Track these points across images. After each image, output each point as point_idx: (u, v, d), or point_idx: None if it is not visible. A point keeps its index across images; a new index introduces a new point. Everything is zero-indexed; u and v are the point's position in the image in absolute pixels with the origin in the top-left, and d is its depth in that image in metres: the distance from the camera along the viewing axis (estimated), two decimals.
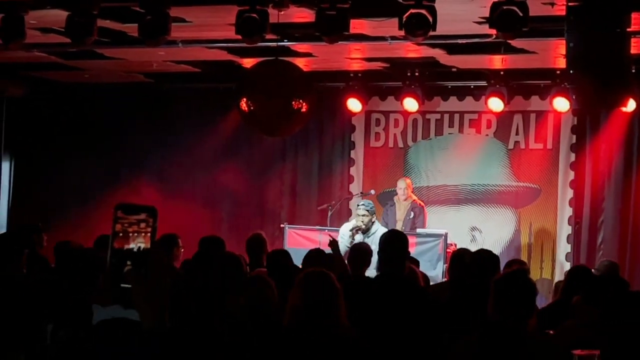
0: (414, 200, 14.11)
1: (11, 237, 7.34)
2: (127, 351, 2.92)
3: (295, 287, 5.59)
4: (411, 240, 12.83)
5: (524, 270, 5.32)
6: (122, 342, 2.97)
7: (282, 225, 14.38)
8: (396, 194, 14.26)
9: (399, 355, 6.50)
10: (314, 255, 8.57)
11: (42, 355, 4.90)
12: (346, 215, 15.65)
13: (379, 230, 12.18)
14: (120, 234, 2.80)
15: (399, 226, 13.69)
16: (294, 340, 5.42)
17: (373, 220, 12.43)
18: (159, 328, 2.80)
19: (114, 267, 2.79)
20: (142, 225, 2.81)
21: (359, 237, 12.15)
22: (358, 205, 12.56)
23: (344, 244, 11.84)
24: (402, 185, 14.19)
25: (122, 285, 2.79)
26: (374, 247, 11.60)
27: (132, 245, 2.80)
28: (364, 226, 12.27)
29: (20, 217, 16.30)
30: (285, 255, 8.73)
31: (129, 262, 2.78)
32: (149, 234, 2.81)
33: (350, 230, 12.32)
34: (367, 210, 12.37)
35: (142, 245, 2.80)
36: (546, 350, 5.10)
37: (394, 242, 7.09)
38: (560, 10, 10.15)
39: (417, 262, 9.82)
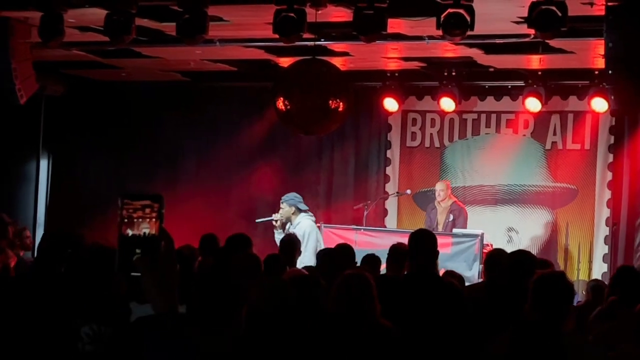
0: (455, 201, 14.10)
1: (54, 237, 7.35)
2: (168, 346, 2.91)
3: (331, 289, 5.67)
4: (447, 240, 12.95)
5: (562, 272, 5.29)
6: (162, 337, 2.97)
7: (317, 225, 14.37)
8: (435, 197, 14.27)
9: (432, 353, 6.51)
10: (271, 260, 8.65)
11: (78, 355, 4.93)
12: (382, 214, 15.64)
13: (301, 222, 12.53)
14: (127, 219, 2.81)
15: (439, 230, 13.69)
16: (328, 338, 5.46)
17: (293, 212, 12.65)
18: (171, 313, 2.81)
19: (123, 256, 2.79)
20: (150, 207, 2.82)
21: (288, 227, 12.53)
22: None
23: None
24: (439, 187, 14.21)
25: (132, 274, 2.79)
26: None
27: (139, 231, 2.81)
28: (278, 217, 12.64)
29: (58, 214, 16.42)
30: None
31: (137, 250, 2.79)
32: (154, 216, 2.82)
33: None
34: (282, 203, 12.77)
35: (148, 231, 2.81)
36: (582, 350, 5.07)
37: (424, 240, 7.11)
38: (599, 10, 10.09)
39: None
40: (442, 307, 6.76)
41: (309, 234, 12.28)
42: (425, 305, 6.73)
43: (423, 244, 7.09)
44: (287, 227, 12.53)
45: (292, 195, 12.91)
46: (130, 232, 2.81)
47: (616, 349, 5.73)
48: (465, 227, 13.77)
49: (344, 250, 9.02)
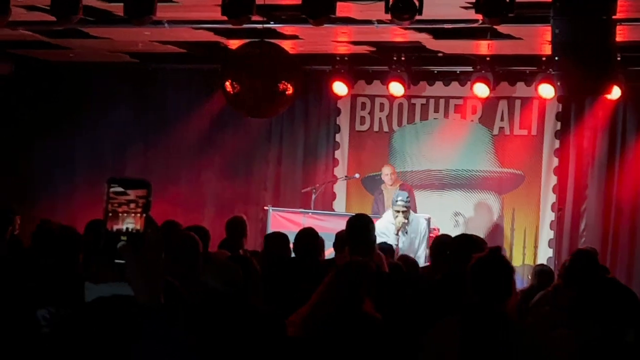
0: (401, 183, 14.16)
1: None
2: (130, 327, 2.88)
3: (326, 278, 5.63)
4: None
5: (499, 248, 5.29)
6: (123, 318, 2.94)
7: (265, 208, 14.38)
8: (383, 181, 14.34)
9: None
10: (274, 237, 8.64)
11: (35, 339, 4.88)
12: (330, 198, 15.65)
13: (415, 218, 12.25)
14: (113, 213, 2.74)
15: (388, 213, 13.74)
16: (318, 333, 5.43)
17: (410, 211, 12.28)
18: (154, 303, 2.77)
19: (108, 244, 2.73)
20: (137, 201, 2.76)
21: (402, 234, 12.05)
22: (396, 201, 12.18)
23: (391, 242, 11.75)
24: (388, 171, 14.26)
25: (117, 261, 2.74)
26: (413, 235, 11.78)
27: (125, 225, 2.75)
28: (407, 221, 12.08)
29: (4, 197, 16.24)
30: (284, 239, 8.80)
31: (123, 237, 2.73)
32: (141, 210, 2.76)
33: (397, 230, 12.01)
34: (407, 206, 12.14)
35: (134, 226, 2.75)
36: (525, 332, 5.11)
37: (361, 227, 7.12)
38: None
39: (392, 250, 9.83)
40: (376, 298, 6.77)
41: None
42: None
43: (358, 230, 7.11)
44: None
45: (405, 193, 12.39)
46: (114, 227, 2.74)
47: (552, 332, 5.79)
48: (415, 207, 13.81)
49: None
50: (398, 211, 12.08)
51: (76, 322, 3.14)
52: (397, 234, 12.00)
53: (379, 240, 11.66)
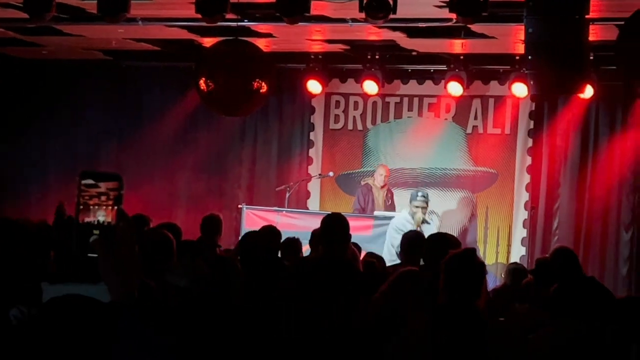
0: (388, 188, 14.21)
1: None
2: (83, 328, 2.86)
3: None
4: (368, 222, 13.04)
5: (473, 249, 5.31)
6: (77, 319, 2.92)
7: (239, 206, 14.35)
8: (372, 177, 14.36)
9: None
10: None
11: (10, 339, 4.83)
12: (304, 196, 15.65)
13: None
14: (84, 205, 2.73)
15: (376, 209, 13.74)
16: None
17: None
18: (127, 300, 2.75)
19: (80, 238, 2.72)
20: (108, 194, 2.75)
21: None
22: (417, 197, 12.43)
23: None
24: (382, 171, 14.25)
25: (90, 255, 2.72)
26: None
27: (97, 218, 2.73)
28: (425, 217, 12.27)
29: None
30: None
31: (95, 231, 2.72)
32: (112, 203, 2.75)
33: (417, 227, 11.98)
34: (427, 203, 12.38)
35: (105, 218, 2.74)
36: (499, 331, 5.14)
37: (335, 226, 7.13)
38: None
39: (359, 247, 9.86)
40: (344, 290, 6.77)
41: None
42: (328, 288, 6.73)
43: (333, 229, 7.12)
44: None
45: (425, 190, 12.75)
46: (86, 220, 2.73)
47: (536, 332, 5.81)
48: (394, 206, 13.87)
49: (269, 233, 8.96)
50: (418, 207, 12.27)
51: (36, 323, 3.11)
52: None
53: (396, 236, 11.90)
